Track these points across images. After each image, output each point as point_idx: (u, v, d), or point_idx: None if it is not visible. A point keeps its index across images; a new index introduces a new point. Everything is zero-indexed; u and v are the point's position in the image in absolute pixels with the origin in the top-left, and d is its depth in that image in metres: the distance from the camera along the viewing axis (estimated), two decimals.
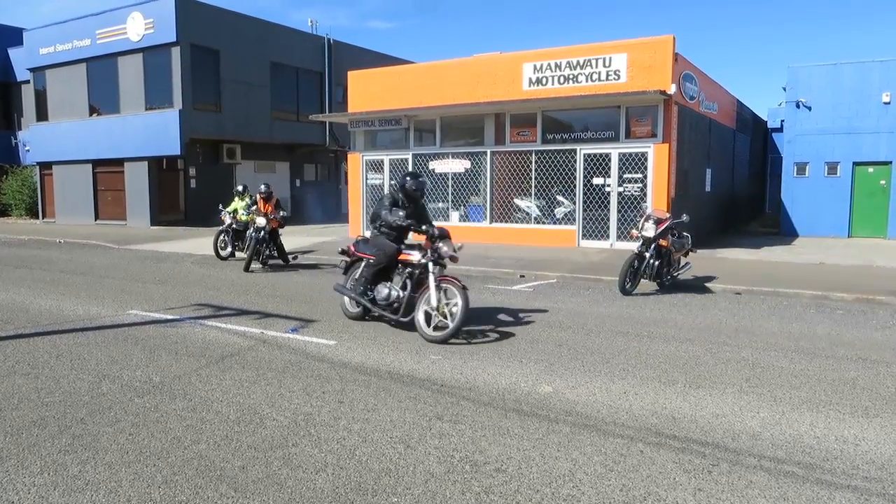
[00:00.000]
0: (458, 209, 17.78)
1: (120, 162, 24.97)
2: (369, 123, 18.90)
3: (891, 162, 19.36)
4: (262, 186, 13.79)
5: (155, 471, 3.89)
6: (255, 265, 12.96)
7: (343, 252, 8.55)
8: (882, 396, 5.31)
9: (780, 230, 21.01)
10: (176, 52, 22.82)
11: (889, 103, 19.17)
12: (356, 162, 19.32)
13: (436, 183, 17.97)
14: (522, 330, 7.66)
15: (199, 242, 18.54)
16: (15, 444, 4.28)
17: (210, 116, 24.00)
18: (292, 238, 18.29)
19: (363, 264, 7.99)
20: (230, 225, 14.40)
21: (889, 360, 6.42)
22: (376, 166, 19.02)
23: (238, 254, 14.28)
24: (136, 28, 23.53)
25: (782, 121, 23.85)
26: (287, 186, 27.94)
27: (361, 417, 4.76)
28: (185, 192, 24.75)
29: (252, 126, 25.31)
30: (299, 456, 4.11)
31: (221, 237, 14.55)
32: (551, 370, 5.98)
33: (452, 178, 17.73)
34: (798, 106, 20.61)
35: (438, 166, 17.90)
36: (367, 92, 19.00)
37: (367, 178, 19.20)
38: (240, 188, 15.22)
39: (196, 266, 13.83)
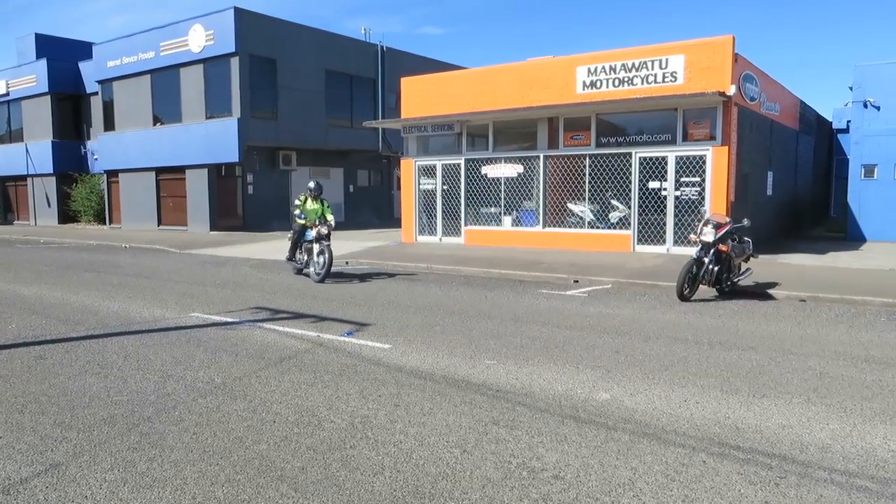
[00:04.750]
0: (510, 214, 17.70)
1: (181, 169, 25.85)
2: (422, 129, 19.02)
3: None
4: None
5: (218, 469, 3.99)
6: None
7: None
8: None
9: (847, 235, 20.15)
10: (235, 63, 23.51)
11: None
12: (409, 167, 19.47)
13: (488, 188, 17.94)
14: (577, 336, 7.56)
15: (257, 247, 19.02)
16: (87, 440, 4.46)
17: (267, 124, 24.61)
18: (344, 243, 18.56)
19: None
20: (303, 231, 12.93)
21: None
22: (429, 171, 19.12)
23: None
24: (198, 40, 24.34)
25: (848, 121, 22.91)
26: (341, 192, 28.41)
27: (417, 421, 4.78)
28: (243, 198, 25.43)
29: (307, 133, 25.83)
30: (357, 458, 4.15)
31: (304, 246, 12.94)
32: (608, 377, 5.88)
33: (505, 183, 17.67)
34: (866, 105, 19.77)
35: (491, 171, 17.88)
36: (419, 98, 19.14)
37: (419, 183, 19.33)
38: (312, 185, 13.09)
39: (254, 270, 14.18)
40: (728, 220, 10.57)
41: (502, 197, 17.75)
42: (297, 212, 12.94)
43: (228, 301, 10.06)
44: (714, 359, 6.52)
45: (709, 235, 9.89)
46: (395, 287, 11.58)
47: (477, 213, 18.27)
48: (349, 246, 17.88)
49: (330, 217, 12.76)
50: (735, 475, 3.90)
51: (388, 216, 28.76)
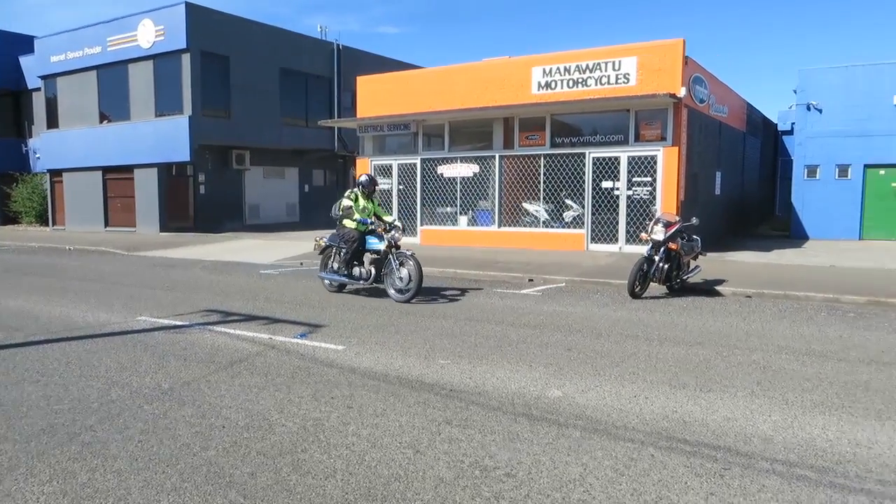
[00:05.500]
0: (466, 213, 17.76)
1: (130, 169, 25.15)
2: (378, 128, 18.94)
3: None
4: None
5: (164, 478, 3.88)
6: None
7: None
8: (895, 399, 5.24)
9: (791, 233, 20.86)
10: (186, 59, 22.98)
11: None
12: (365, 167, 19.34)
13: (444, 187, 17.97)
14: (531, 334, 7.63)
15: (209, 248, 18.64)
16: (24, 452, 4.29)
17: (219, 122, 24.13)
18: (299, 244, 18.35)
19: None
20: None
21: None
22: (385, 171, 19.04)
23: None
24: (147, 35, 23.71)
25: (793, 123, 23.70)
26: (296, 192, 28.06)
27: (371, 423, 4.75)
28: (195, 199, 24.88)
29: (261, 132, 25.43)
30: (308, 462, 4.09)
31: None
32: (561, 374, 5.95)
33: (461, 183, 17.72)
34: (809, 108, 20.49)
35: (447, 171, 17.90)
36: (375, 97, 19.05)
37: None
38: (364, 178, 10.63)
39: (206, 272, 13.89)
40: (678, 218, 10.82)
41: (458, 197, 17.80)
42: (356, 216, 10.21)
43: (178, 304, 9.83)
44: (663, 355, 6.66)
45: (659, 234, 10.10)
46: (350, 287, 11.48)
47: (433, 212, 18.27)
48: (304, 246, 17.67)
49: (388, 218, 10.60)
50: (682, 468, 3.98)
51: None
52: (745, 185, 23.10)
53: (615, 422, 4.76)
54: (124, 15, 24.59)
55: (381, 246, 10.09)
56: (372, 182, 10.57)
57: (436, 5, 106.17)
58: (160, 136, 23.82)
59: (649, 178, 15.12)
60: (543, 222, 16.69)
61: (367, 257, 10.46)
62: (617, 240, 15.57)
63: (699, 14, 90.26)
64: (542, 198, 16.66)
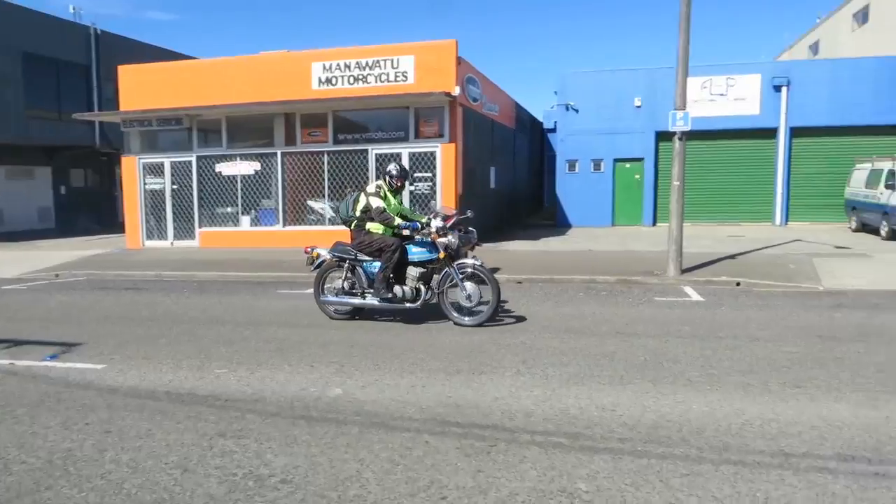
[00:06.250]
0: (248, 213, 17.05)
1: None
2: (146, 123, 17.40)
3: (643, 158, 22.13)
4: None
5: None
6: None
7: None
8: (634, 365, 6.01)
9: (557, 222, 23.04)
10: None
11: (640, 107, 21.89)
12: (132, 165, 17.68)
13: (224, 186, 17.07)
14: (314, 334, 7.53)
15: None
16: None
17: None
18: (57, 253, 16.27)
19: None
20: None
21: (640, 333, 7.30)
22: (156, 170, 17.57)
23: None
24: None
25: (556, 122, 26.09)
26: (49, 194, 24.81)
27: (132, 446, 4.34)
28: None
29: (1, 126, 22.04)
30: (54, 500, 3.63)
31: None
32: (342, 371, 5.95)
33: (242, 181, 16.96)
34: (568, 109, 22.74)
35: (226, 169, 17.02)
36: (143, 89, 17.47)
37: (145, 183, 17.67)
38: (394, 169, 8.25)
39: None
40: (455, 211, 11.34)
41: (239, 196, 17.02)
42: (397, 221, 7.94)
43: None
44: (441, 343, 6.97)
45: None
46: (116, 299, 10.44)
47: (212, 213, 17.28)
48: (62, 256, 15.70)
49: (424, 218, 8.21)
50: (453, 450, 4.18)
51: (111, 220, 25.79)
52: (516, 179, 25.00)
53: (393, 413, 4.87)
54: None
55: (434, 255, 7.96)
56: (403, 174, 8.28)
57: None
58: None
59: (430, 174, 15.73)
60: (330, 220, 16.59)
61: (412, 272, 8.01)
62: None
63: (471, 17, 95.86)
64: (327, 195, 16.55)
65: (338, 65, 16.09)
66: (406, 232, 8.00)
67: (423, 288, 7.94)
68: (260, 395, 5.33)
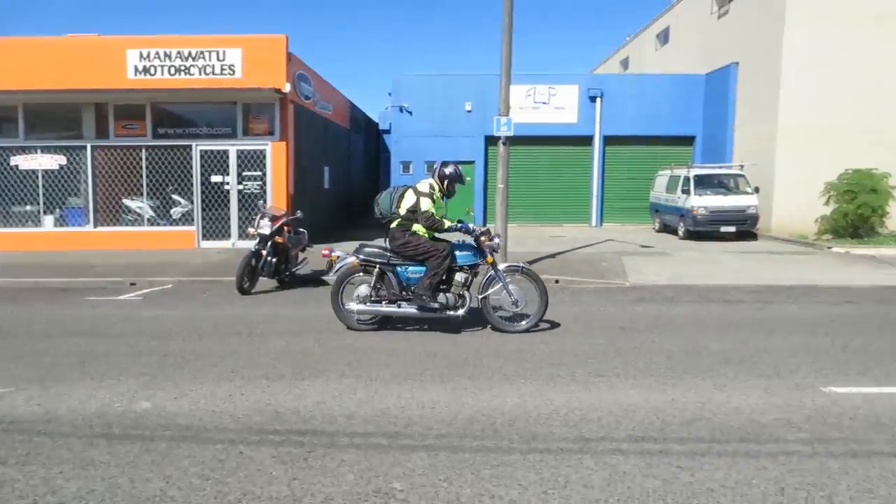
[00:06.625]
0: (52, 212, 15.37)
1: None
2: None
3: (474, 161, 23.00)
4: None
5: None
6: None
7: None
8: (456, 363, 6.21)
9: None
10: None
11: (471, 111, 22.74)
12: None
13: (22, 182, 15.26)
14: (124, 344, 6.96)
15: None
16: None
17: None
18: None
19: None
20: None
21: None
22: None
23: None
24: None
25: (390, 123, 26.35)
26: None
27: None
28: None
29: None
30: None
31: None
32: (153, 384, 5.55)
33: (44, 177, 15.26)
34: (402, 110, 23.05)
35: (24, 162, 15.21)
36: None
37: None
38: (449, 170, 7.60)
39: None
40: (284, 212, 11.10)
41: (41, 193, 15.31)
42: (447, 224, 7.32)
43: None
44: (264, 348, 6.74)
45: (265, 228, 10.21)
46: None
47: (8, 212, 15.38)
48: None
49: (460, 223, 7.43)
50: (269, 459, 4.06)
51: None
52: (351, 180, 24.88)
53: (207, 425, 4.63)
54: None
55: (479, 260, 7.44)
56: (458, 177, 7.55)
57: None
58: None
59: (260, 173, 15.18)
60: (149, 220, 15.44)
61: (458, 277, 7.42)
62: (230, 236, 15.28)
63: (303, 14, 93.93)
64: (145, 193, 15.38)
65: (157, 53, 15.00)
66: (454, 234, 7.43)
67: (467, 294, 7.43)
68: (53, 415, 4.82)
